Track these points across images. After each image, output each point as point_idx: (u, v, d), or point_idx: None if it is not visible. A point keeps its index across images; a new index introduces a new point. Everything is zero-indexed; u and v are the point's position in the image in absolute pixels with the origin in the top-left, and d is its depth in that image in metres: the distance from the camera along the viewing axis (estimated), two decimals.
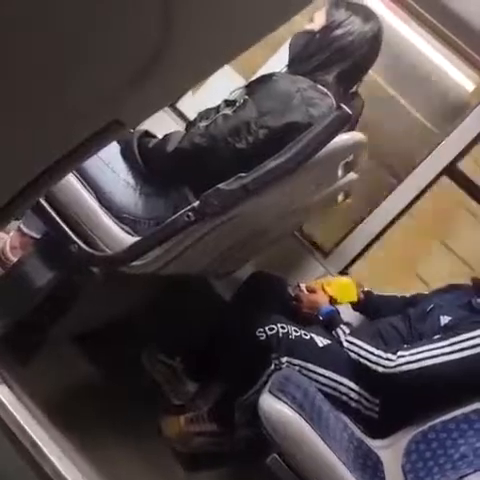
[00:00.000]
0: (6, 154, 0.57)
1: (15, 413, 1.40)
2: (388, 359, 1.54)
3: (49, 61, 0.47)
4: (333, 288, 1.95)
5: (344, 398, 1.59)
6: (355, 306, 1.99)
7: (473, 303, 1.69)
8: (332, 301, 1.90)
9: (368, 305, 1.99)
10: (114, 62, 0.48)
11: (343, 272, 2.24)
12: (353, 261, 2.26)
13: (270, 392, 1.36)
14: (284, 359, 1.59)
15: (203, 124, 1.55)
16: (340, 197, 1.93)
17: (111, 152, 1.55)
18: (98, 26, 0.45)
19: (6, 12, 0.42)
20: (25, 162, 0.61)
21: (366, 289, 2.02)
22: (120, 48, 0.48)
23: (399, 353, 1.54)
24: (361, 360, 1.59)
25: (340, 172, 1.64)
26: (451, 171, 2.21)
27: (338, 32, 1.61)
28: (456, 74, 2.35)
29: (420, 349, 1.54)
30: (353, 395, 1.59)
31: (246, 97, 1.55)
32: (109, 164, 1.54)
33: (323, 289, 1.93)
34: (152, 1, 0.47)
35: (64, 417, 1.53)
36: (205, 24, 0.55)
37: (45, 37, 0.45)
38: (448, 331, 1.59)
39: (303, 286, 1.95)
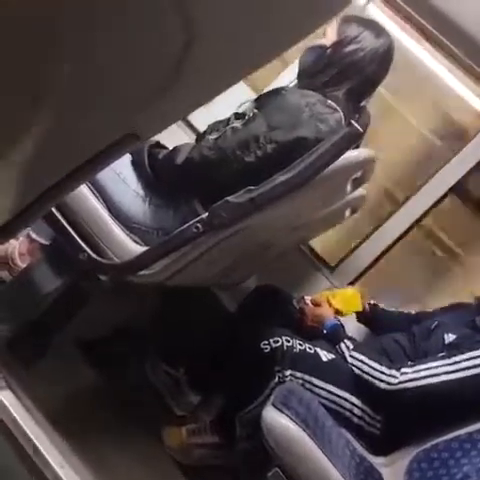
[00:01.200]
0: (32, 161, 0.58)
1: (18, 418, 1.41)
2: (391, 376, 1.53)
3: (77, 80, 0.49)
4: (338, 300, 1.94)
5: (347, 414, 1.58)
6: (360, 316, 1.99)
7: (477, 322, 1.69)
8: (337, 313, 1.90)
9: (373, 318, 1.99)
10: (137, 78, 0.50)
11: None
12: (359, 276, 2.27)
13: (273, 405, 1.35)
14: (288, 372, 1.59)
15: (212, 137, 1.55)
16: (347, 212, 1.93)
17: (123, 162, 1.57)
18: (124, 45, 0.46)
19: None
20: (46, 170, 0.63)
21: (372, 302, 2.02)
22: (143, 65, 0.49)
23: (402, 370, 1.53)
24: (364, 376, 1.58)
25: (349, 188, 1.64)
26: (459, 189, 2.21)
27: (350, 48, 1.60)
28: (464, 92, 2.36)
29: (424, 366, 1.53)
30: (356, 411, 1.58)
31: (255, 110, 1.55)
32: (120, 174, 1.55)
33: (328, 302, 1.92)
34: (174, 19, 0.48)
35: (67, 424, 1.52)
36: (225, 41, 0.56)
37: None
38: (452, 349, 1.57)
39: (308, 299, 1.95)
